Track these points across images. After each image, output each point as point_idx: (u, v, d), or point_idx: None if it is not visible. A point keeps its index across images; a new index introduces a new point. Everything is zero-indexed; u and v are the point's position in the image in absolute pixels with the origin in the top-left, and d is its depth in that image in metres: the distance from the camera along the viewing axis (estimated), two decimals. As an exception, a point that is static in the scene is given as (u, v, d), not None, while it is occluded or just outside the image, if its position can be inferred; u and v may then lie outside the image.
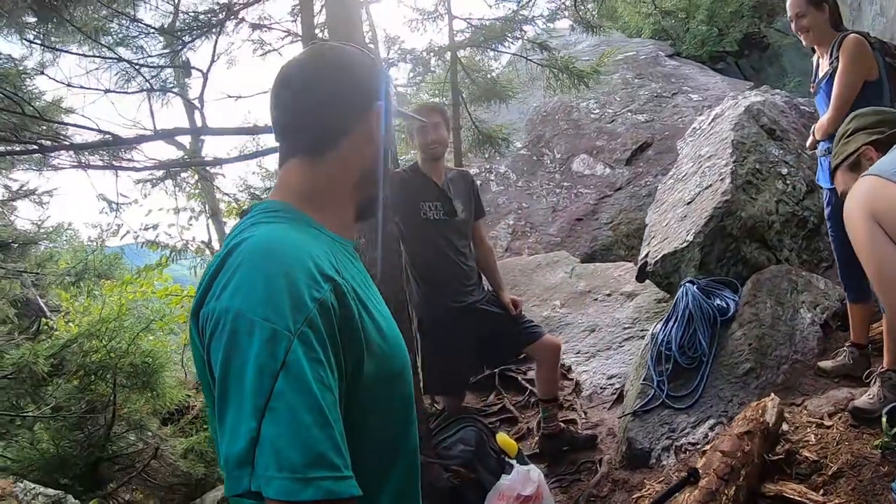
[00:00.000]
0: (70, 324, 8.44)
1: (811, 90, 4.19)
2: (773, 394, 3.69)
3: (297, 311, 1.05)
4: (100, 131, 4.41)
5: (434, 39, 8.25)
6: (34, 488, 4.84)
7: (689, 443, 3.90)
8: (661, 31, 16.40)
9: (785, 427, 3.56)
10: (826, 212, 4.07)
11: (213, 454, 5.19)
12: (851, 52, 3.70)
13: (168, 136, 4.80)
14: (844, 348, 4.10)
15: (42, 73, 5.72)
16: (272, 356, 1.00)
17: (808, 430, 3.57)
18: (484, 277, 4.60)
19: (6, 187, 8.75)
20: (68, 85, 5.01)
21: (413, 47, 8.15)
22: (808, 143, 4.22)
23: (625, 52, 13.00)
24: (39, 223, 8.85)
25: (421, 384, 4.30)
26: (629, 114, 11.40)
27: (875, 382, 3.53)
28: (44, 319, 9.05)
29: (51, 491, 4.48)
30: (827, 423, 3.60)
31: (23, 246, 7.87)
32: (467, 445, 3.72)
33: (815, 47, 4.10)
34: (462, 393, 4.84)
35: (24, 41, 5.34)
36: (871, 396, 3.50)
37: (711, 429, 3.90)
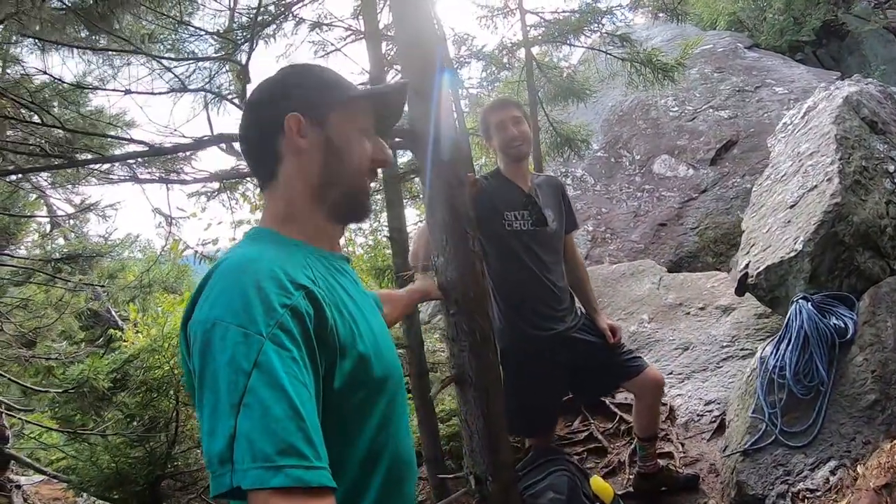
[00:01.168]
0: (139, 335, 8.41)
1: None
2: (908, 432, 3.21)
3: (268, 315, 1.12)
4: (132, 140, 4.18)
5: (506, 36, 7.83)
6: (95, 501, 4.71)
7: (807, 489, 3.41)
8: (736, 23, 15.81)
9: (923, 470, 3.07)
10: None
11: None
12: None
13: (198, 147, 4.52)
14: None
15: (95, 87, 5.52)
16: (245, 357, 1.07)
17: (951, 474, 3.08)
18: (576, 299, 4.01)
19: (69, 201, 8.71)
20: (126, 92, 4.78)
21: (484, 44, 7.81)
22: None
23: (701, 45, 12.41)
24: (107, 235, 8.81)
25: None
26: (710, 110, 10.86)
27: None
28: (114, 330, 9.01)
29: (111, 506, 4.42)
30: (970, 465, 3.11)
31: (88, 259, 7.83)
32: (558, 493, 3.27)
33: None
34: (552, 433, 4.22)
35: (80, 56, 5.15)
36: None
37: (833, 472, 3.41)
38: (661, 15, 8.52)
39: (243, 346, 1.08)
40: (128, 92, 4.96)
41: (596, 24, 7.33)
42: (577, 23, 7.22)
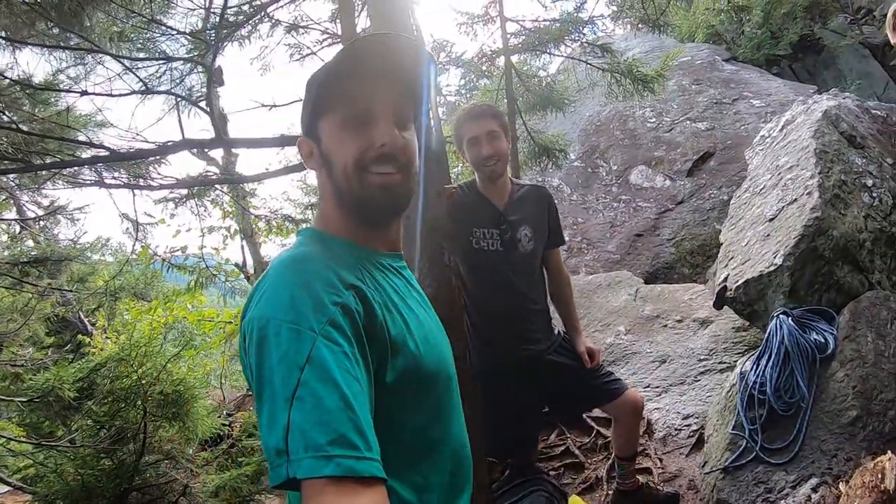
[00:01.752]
0: (108, 340, 8.24)
1: None
2: (889, 452, 3.18)
3: (319, 313, 1.16)
4: (92, 145, 4.06)
5: (486, 44, 7.78)
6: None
7: (789, 507, 3.37)
8: (714, 36, 15.93)
9: (903, 489, 3.04)
10: None
11: (247, 492, 4.88)
12: None
13: (163, 152, 4.38)
14: None
15: (44, 87, 5.37)
16: (298, 352, 1.11)
17: (933, 493, 3.05)
18: (555, 318, 3.86)
19: (37, 203, 8.53)
20: (83, 93, 4.64)
21: (464, 51, 7.76)
22: None
23: (679, 57, 12.45)
24: (76, 239, 8.63)
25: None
26: (688, 122, 10.88)
27: None
28: (83, 337, 8.81)
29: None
30: (952, 484, 3.08)
31: (57, 262, 7.65)
32: (537, 514, 3.21)
33: None
34: (532, 453, 4.12)
35: (50, 53, 5.02)
36: None
37: (814, 489, 3.36)
38: (641, 27, 8.49)
39: (296, 342, 1.13)
40: (84, 94, 4.84)
41: (577, 34, 7.30)
42: (558, 32, 7.18)
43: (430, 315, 1.56)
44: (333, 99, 1.43)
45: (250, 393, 7.95)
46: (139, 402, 4.79)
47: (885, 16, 3.92)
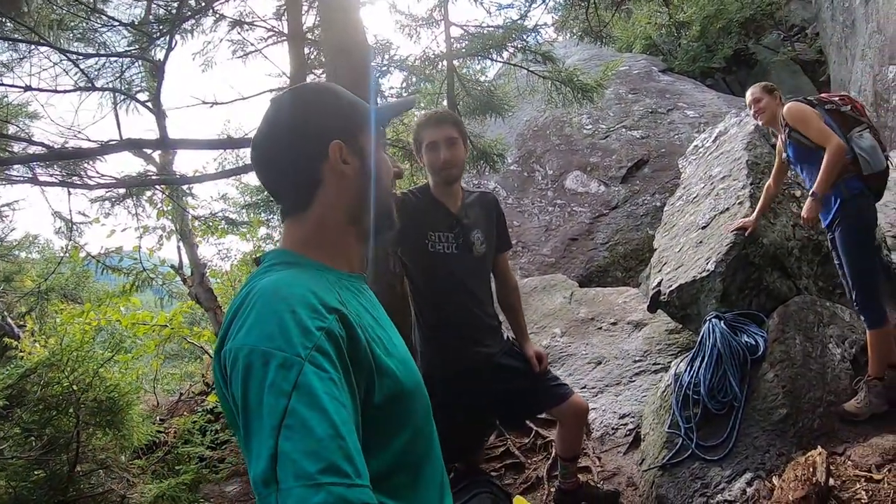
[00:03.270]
0: (36, 345, 7.99)
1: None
2: (819, 446, 3.35)
3: (305, 339, 1.14)
4: (30, 142, 3.97)
5: (429, 47, 7.80)
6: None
7: (725, 500, 3.51)
8: (651, 47, 16.29)
9: (831, 481, 3.20)
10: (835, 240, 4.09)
11: (185, 502, 4.76)
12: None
13: (103, 152, 4.28)
14: (863, 384, 3.93)
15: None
16: (285, 379, 1.08)
17: (858, 484, 3.28)
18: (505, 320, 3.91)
19: (-38, 200, 8.21)
20: (26, 88, 4.51)
21: (409, 55, 7.76)
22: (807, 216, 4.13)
23: (618, 66, 12.74)
24: (2, 237, 8.32)
25: None
26: (624, 130, 11.13)
27: (862, 389, 3.89)
28: (10, 340, 8.49)
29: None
30: (876, 476, 3.32)
31: (-19, 261, 7.39)
32: (482, 516, 3.26)
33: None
34: (479, 456, 4.20)
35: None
36: (858, 402, 3.86)
37: (749, 483, 3.52)
38: (584, 38, 8.65)
39: (283, 370, 1.10)
40: (28, 89, 4.71)
41: (520, 41, 7.39)
42: (501, 38, 7.25)
43: (397, 335, 1.55)
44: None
45: (183, 398, 7.81)
46: (71, 410, 4.63)
47: (817, 34, 4.24)
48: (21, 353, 7.79)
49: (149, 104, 4.78)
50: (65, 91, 4.65)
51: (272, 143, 1.49)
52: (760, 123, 4.56)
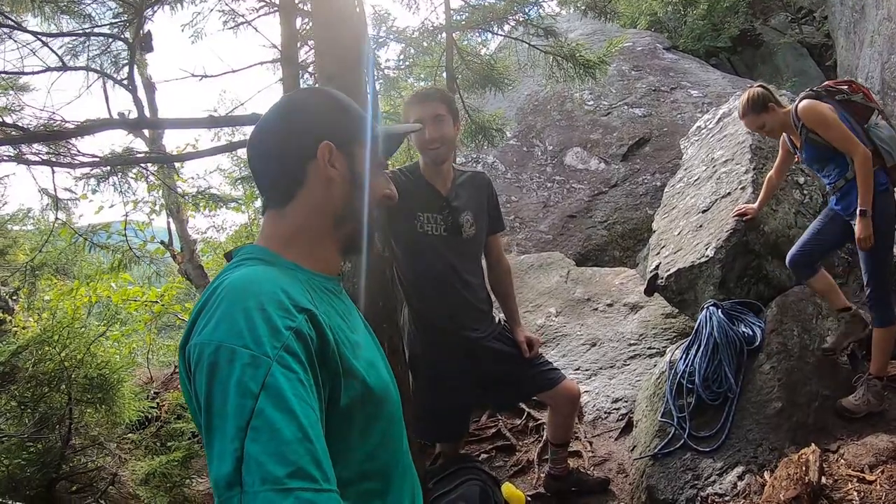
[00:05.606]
0: (30, 319, 7.94)
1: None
2: (813, 443, 3.31)
3: (274, 338, 1.11)
4: (3, 124, 3.88)
5: (428, 19, 7.68)
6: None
7: (716, 493, 3.47)
8: (656, 23, 16.09)
9: (823, 480, 3.16)
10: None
11: (177, 478, 4.73)
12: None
13: (85, 132, 4.19)
14: (863, 381, 3.87)
15: None
16: (252, 379, 1.06)
17: (850, 484, 3.23)
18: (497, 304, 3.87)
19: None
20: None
21: (406, 26, 7.64)
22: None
23: (622, 42, 12.60)
24: (-6, 211, 8.23)
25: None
26: (625, 107, 11.03)
27: (861, 386, 3.84)
28: (3, 314, 8.41)
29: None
30: (869, 477, 3.27)
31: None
32: (470, 503, 3.21)
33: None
34: (463, 438, 4.16)
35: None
36: (856, 398, 3.81)
37: (740, 477, 3.48)
38: (588, 12, 8.50)
39: (251, 368, 1.08)
40: None
41: (521, 14, 7.26)
42: (503, 10, 7.14)
43: (371, 338, 1.55)
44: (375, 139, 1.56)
45: (177, 370, 7.79)
46: (63, 387, 4.60)
47: (825, 18, 4.12)
48: (15, 329, 7.74)
49: (124, 82, 4.66)
50: (32, 73, 4.57)
51: (264, 136, 1.49)
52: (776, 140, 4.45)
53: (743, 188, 4.93)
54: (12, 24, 4.70)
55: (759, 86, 4.24)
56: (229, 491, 1.01)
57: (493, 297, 3.83)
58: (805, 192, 5.15)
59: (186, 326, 1.26)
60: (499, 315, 3.80)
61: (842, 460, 3.41)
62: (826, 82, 4.18)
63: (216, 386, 1.09)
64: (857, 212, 3.74)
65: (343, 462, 1.25)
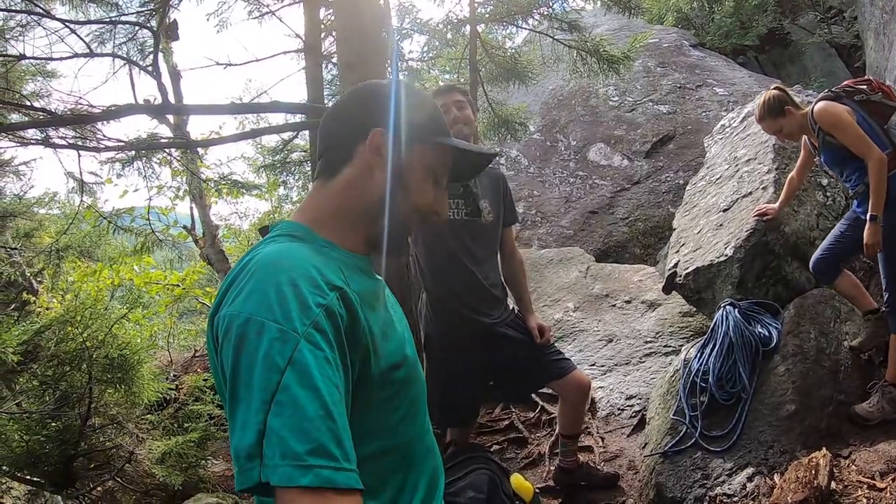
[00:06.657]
0: (53, 300, 8.04)
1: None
2: (824, 448, 3.28)
3: (303, 314, 1.11)
4: (32, 108, 3.93)
5: (452, 11, 7.67)
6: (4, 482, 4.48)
7: (724, 494, 3.45)
8: (683, 20, 15.96)
9: (833, 485, 3.14)
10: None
11: (193, 458, 4.80)
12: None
13: (110, 116, 4.24)
14: (878, 388, 3.83)
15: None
16: (280, 353, 1.07)
17: (860, 491, 3.20)
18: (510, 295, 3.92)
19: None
20: (21, 58, 4.49)
21: (430, 18, 7.65)
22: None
23: (647, 38, 12.50)
24: (22, 194, 8.33)
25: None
26: (650, 104, 10.95)
27: (877, 393, 3.80)
28: (28, 295, 8.54)
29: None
30: (879, 484, 3.23)
31: (2, 218, 7.39)
32: (478, 493, 3.21)
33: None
34: (472, 424, 4.21)
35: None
36: (871, 405, 3.76)
37: (750, 479, 3.46)
38: (613, 7, 8.46)
39: (279, 343, 1.08)
40: (22, 58, 4.67)
41: (546, 8, 7.23)
42: (528, 4, 7.10)
43: (399, 315, 1.55)
44: (442, 146, 1.52)
45: (198, 354, 7.85)
46: (84, 366, 4.66)
47: (855, 18, 4.05)
48: (39, 309, 7.85)
49: (149, 69, 4.72)
50: (60, 59, 4.63)
51: (339, 104, 1.55)
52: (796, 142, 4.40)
53: (764, 188, 4.90)
54: (41, 11, 4.76)
55: (775, 88, 4.21)
56: (249, 462, 1.02)
57: (507, 289, 3.87)
58: (828, 193, 5.10)
59: (216, 297, 1.27)
60: (513, 304, 3.85)
61: (853, 466, 3.38)
62: (845, 82, 4.08)
63: (243, 357, 1.09)
64: (868, 216, 3.68)
65: (368, 438, 1.27)
